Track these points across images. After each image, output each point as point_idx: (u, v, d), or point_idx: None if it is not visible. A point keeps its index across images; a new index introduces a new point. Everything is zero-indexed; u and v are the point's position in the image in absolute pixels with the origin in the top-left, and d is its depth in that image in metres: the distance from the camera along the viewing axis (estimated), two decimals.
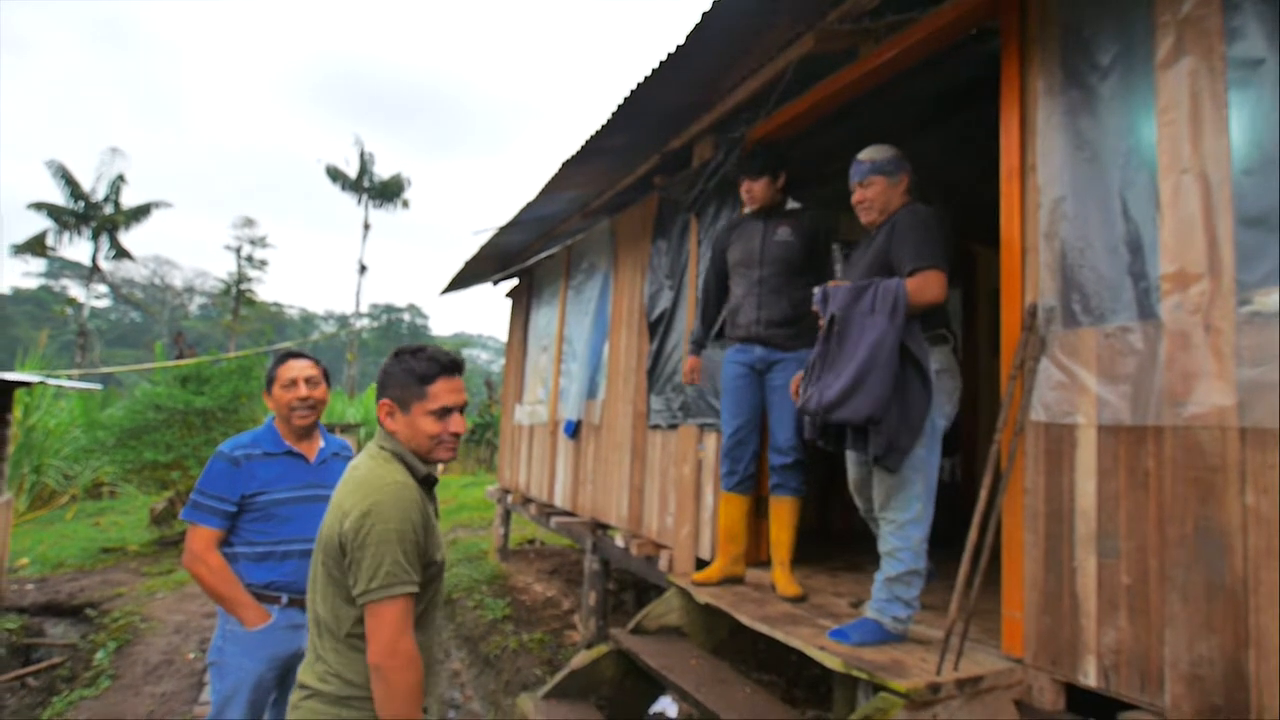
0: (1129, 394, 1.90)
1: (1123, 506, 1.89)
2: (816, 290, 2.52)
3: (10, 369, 10.04)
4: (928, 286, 2.29)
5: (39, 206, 24.09)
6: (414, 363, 1.63)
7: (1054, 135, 2.18)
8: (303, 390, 2.29)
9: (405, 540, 1.51)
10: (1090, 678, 1.92)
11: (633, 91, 3.17)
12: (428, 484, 1.66)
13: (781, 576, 2.97)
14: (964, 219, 4.73)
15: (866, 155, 2.53)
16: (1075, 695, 2.02)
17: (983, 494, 2.14)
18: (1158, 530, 1.81)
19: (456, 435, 1.64)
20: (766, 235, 3.08)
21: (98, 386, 11.13)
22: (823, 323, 2.42)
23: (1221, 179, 1.75)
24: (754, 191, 3.11)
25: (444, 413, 1.63)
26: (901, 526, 2.33)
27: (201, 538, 2.17)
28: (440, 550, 1.65)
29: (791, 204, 3.16)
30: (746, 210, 3.23)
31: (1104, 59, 2.06)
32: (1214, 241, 1.75)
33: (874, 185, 2.49)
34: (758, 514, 3.41)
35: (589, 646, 3.86)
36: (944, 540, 2.99)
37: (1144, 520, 1.84)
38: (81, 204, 24.48)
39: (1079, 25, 2.13)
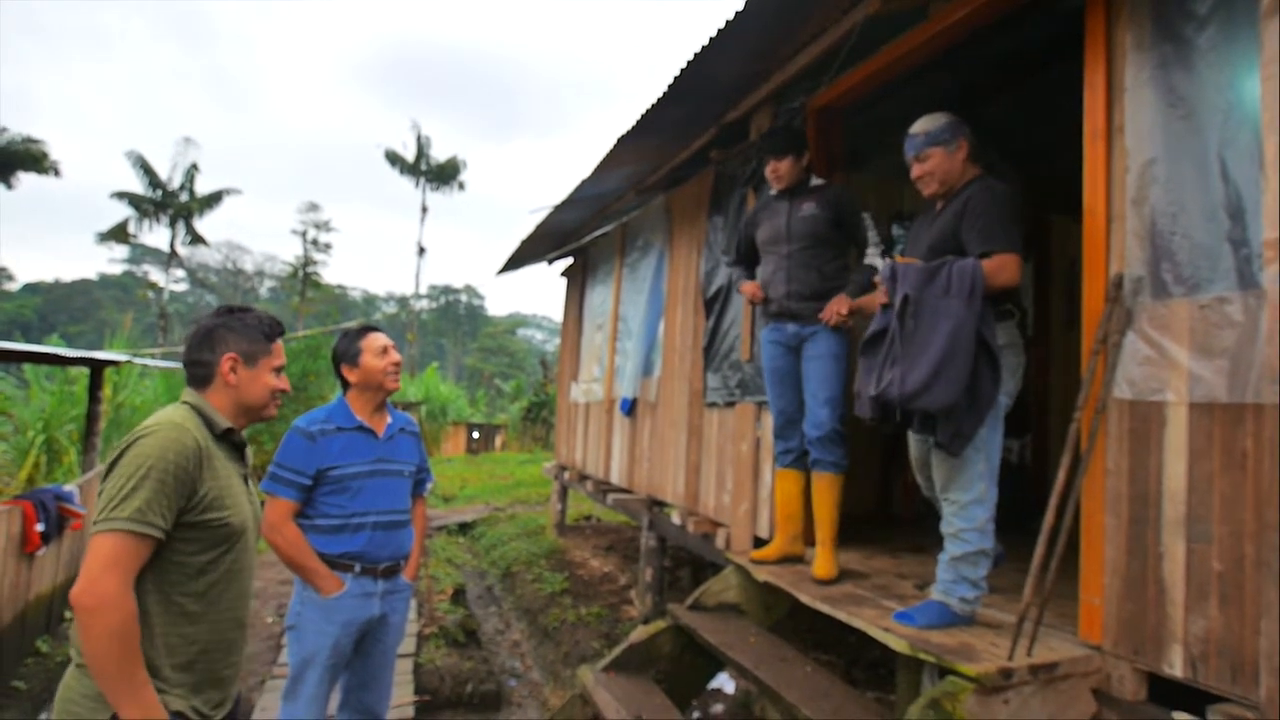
0: (1226, 369, 1.78)
1: (1216, 489, 1.78)
2: (883, 265, 2.44)
3: (99, 349, 10.67)
4: (1002, 271, 2.20)
5: (121, 195, 25.43)
6: (255, 320, 1.65)
7: (1144, 93, 2.03)
8: (395, 355, 2.42)
9: (155, 480, 1.39)
10: (1176, 668, 1.83)
11: (688, 63, 3.10)
12: (232, 443, 1.61)
13: (820, 555, 2.89)
14: (1037, 187, 4.51)
15: (919, 128, 2.43)
16: (1158, 685, 1.93)
17: (1061, 475, 2.04)
18: (1255, 515, 1.70)
19: (284, 392, 1.71)
20: (792, 212, 3.05)
21: (179, 366, 11.73)
22: (887, 300, 2.34)
23: None
24: (780, 171, 3.06)
25: (280, 370, 1.70)
26: (964, 507, 2.26)
27: (279, 509, 2.26)
28: (236, 513, 1.53)
29: (815, 181, 3.11)
30: (772, 191, 3.19)
31: (1201, 8, 1.90)
32: None
33: (931, 158, 2.39)
34: None
35: (646, 622, 3.90)
36: (1016, 523, 2.88)
37: (1240, 504, 1.73)
38: (159, 192, 25.73)
39: None
